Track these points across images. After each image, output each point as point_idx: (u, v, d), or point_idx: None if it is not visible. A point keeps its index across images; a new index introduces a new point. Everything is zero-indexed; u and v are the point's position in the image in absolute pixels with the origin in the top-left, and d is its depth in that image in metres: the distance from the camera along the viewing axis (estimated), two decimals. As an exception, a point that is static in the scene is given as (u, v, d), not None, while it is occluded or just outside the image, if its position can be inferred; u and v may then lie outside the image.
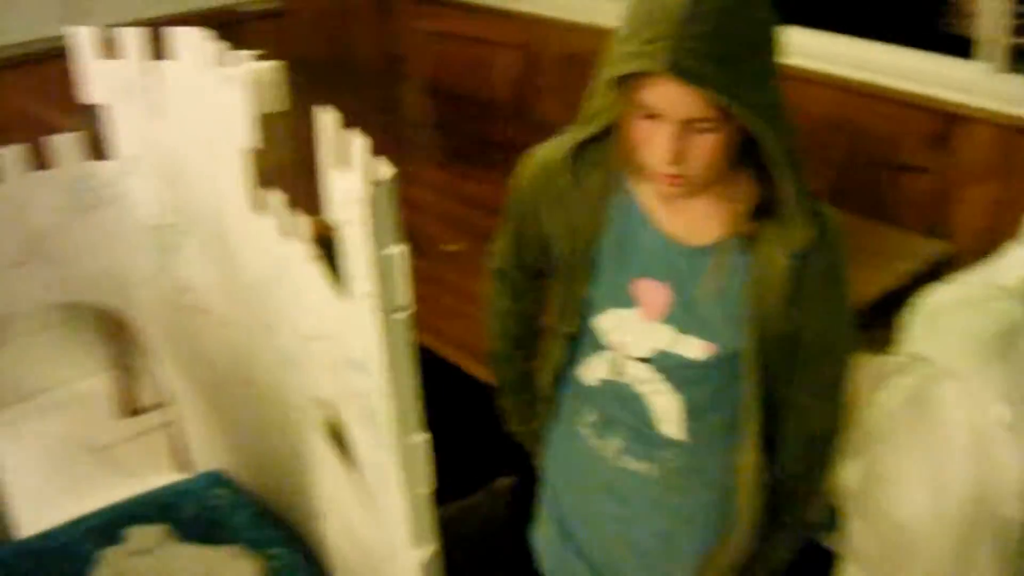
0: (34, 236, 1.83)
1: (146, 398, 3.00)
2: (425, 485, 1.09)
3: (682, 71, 1.03)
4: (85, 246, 1.84)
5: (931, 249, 2.12)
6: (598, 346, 1.30)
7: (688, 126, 1.09)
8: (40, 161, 1.79)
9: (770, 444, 1.27)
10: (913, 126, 2.77)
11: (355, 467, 1.38)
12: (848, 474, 1.31)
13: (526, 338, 1.49)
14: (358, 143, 1.00)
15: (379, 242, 0.93)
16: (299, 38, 4.00)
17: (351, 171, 1.02)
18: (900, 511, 1.26)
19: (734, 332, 1.21)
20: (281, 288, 1.56)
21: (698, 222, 1.22)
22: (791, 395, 1.26)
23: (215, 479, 2.04)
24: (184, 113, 1.72)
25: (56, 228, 1.84)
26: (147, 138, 1.80)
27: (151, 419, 2.94)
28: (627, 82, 1.09)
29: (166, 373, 2.21)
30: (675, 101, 1.07)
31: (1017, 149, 2.61)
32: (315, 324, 1.46)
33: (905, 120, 2.80)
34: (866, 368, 1.33)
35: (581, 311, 1.28)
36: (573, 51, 3.56)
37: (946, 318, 1.28)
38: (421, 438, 1.06)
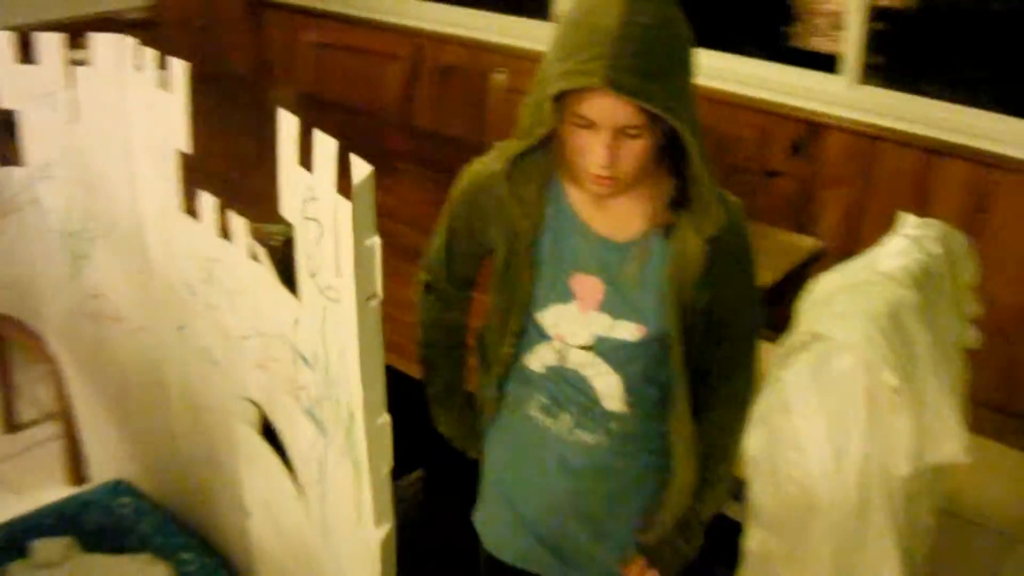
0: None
1: (27, 414, 2.91)
2: (388, 464, 1.15)
3: (618, 86, 1.14)
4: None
5: (804, 245, 2.32)
6: (542, 336, 1.40)
7: (620, 133, 1.20)
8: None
9: (698, 411, 1.39)
10: (779, 134, 3.01)
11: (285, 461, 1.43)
12: (752, 443, 1.45)
13: (455, 347, 1.57)
14: (326, 143, 1.06)
15: (359, 234, 0.99)
16: (170, 47, 3.94)
17: (320, 169, 1.08)
18: (803, 473, 1.40)
19: (661, 313, 1.33)
20: (210, 289, 1.58)
21: (623, 220, 1.33)
22: (712, 364, 1.39)
23: (118, 488, 2.01)
24: (100, 118, 1.72)
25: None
26: (61, 143, 1.78)
27: (35, 434, 2.86)
28: (565, 97, 1.20)
29: (62, 385, 2.16)
30: (609, 112, 1.18)
31: (870, 155, 2.87)
32: (249, 323, 1.49)
33: (771, 129, 3.03)
34: (769, 348, 1.48)
35: (525, 308, 1.37)
36: (451, 63, 3.66)
37: (839, 300, 1.44)
38: (386, 419, 1.13)
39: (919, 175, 2.79)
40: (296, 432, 1.44)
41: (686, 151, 1.22)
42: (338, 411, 1.28)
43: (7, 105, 1.78)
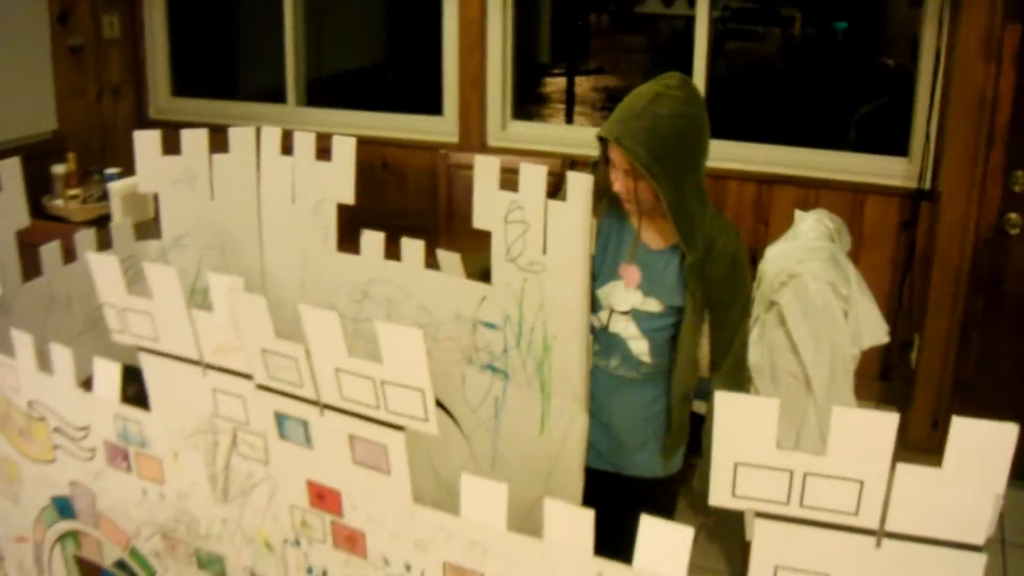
0: (95, 309, 2.19)
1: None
2: (587, 368, 1.78)
3: (620, 143, 1.81)
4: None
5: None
6: (597, 307, 2.05)
7: (628, 174, 1.86)
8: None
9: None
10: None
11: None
12: (754, 356, 2.18)
13: None
14: (535, 171, 1.72)
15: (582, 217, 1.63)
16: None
17: (528, 190, 1.73)
18: (795, 366, 2.14)
19: (673, 295, 1.96)
20: (359, 307, 2.14)
21: (657, 235, 1.99)
22: (713, 344, 2.04)
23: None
24: (233, 194, 2.24)
25: (110, 300, 2.22)
26: (196, 217, 2.27)
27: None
28: (605, 145, 1.88)
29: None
30: (618, 158, 1.85)
31: (722, 190, 3.76)
32: (412, 318, 2.04)
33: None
34: (760, 290, 2.24)
35: (595, 284, 2.02)
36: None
37: (794, 255, 2.22)
38: (590, 338, 1.74)
39: (759, 200, 3.72)
40: (465, 389, 2.02)
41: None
42: (529, 352, 1.90)
43: (149, 189, 2.25)
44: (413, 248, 2.04)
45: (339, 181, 2.11)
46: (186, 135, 2.25)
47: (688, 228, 1.88)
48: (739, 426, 0.98)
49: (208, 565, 1.53)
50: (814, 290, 2.14)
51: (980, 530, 0.97)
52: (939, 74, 3.41)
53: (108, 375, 1.51)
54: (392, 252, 2.10)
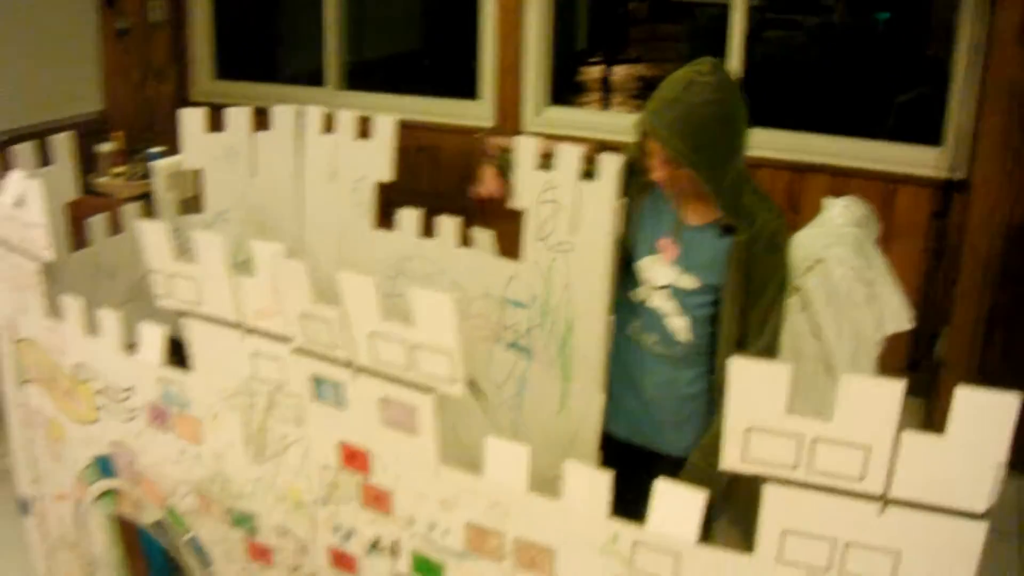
0: (138, 280, 2.27)
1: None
2: (606, 349, 1.82)
3: (655, 134, 1.84)
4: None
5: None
6: (638, 282, 2.10)
7: (666, 163, 1.86)
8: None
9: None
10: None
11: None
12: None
13: None
14: (571, 151, 1.76)
15: (608, 201, 1.68)
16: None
17: (563, 170, 1.78)
18: (819, 350, 2.17)
19: (711, 273, 1.98)
20: (393, 283, 2.20)
21: (694, 214, 2.04)
22: (745, 327, 2.03)
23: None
24: (275, 171, 2.31)
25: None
26: (238, 193, 2.34)
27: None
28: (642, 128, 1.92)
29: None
30: (656, 148, 1.88)
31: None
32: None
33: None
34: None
35: (631, 257, 2.08)
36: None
37: (820, 241, 2.25)
38: (611, 318, 1.80)
39: (791, 188, 3.74)
40: (490, 366, 2.08)
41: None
42: (553, 332, 1.95)
43: (194, 165, 2.33)
44: (448, 225, 2.10)
45: (379, 159, 2.17)
46: (230, 113, 2.32)
47: (732, 209, 1.92)
48: (751, 392, 1.03)
49: (240, 523, 1.60)
50: (839, 275, 2.17)
51: (982, 498, 1.01)
52: (975, 63, 3.40)
53: (153, 339, 1.59)
54: (426, 232, 2.16)
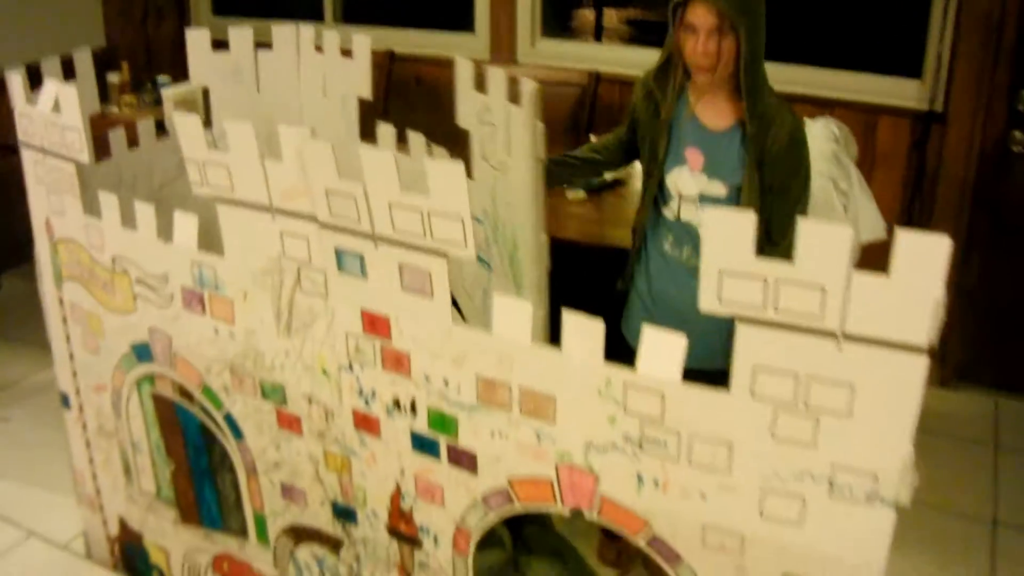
0: (156, 188, 2.42)
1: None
2: (545, 264, 1.86)
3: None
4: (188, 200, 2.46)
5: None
6: (668, 196, 2.15)
7: (712, 33, 1.93)
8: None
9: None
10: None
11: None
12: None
13: (582, 166, 2.29)
14: (498, 74, 1.87)
15: (533, 124, 1.77)
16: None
17: (493, 94, 1.88)
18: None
19: (736, 173, 2.04)
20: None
21: (718, 117, 2.07)
22: (777, 204, 2.07)
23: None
24: (277, 88, 2.43)
25: (171, 182, 2.44)
26: (244, 109, 2.47)
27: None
28: (680, 16, 1.95)
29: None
30: (702, 17, 1.88)
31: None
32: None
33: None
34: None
35: (660, 172, 2.16)
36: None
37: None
38: (545, 236, 1.85)
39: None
40: (464, 278, 2.22)
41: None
42: (503, 246, 2.06)
43: (201, 83, 2.46)
44: (417, 142, 2.24)
45: (358, 77, 2.31)
46: (233, 32, 2.44)
47: (754, 93, 1.97)
48: (723, 238, 1.19)
49: (271, 394, 1.77)
50: (817, 186, 2.33)
51: (923, 333, 1.18)
52: (953, -4, 3.53)
53: (186, 226, 1.74)
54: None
